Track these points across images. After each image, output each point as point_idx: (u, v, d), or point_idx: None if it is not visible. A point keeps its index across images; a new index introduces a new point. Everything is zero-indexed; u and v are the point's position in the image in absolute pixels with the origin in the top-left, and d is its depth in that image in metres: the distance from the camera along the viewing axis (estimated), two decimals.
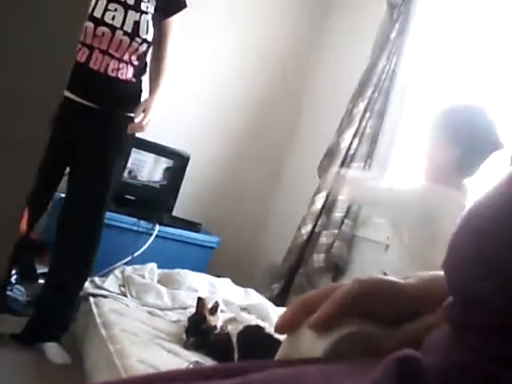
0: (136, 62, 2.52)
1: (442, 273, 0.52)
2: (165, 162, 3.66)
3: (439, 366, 0.34)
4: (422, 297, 0.48)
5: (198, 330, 2.23)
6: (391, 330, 0.47)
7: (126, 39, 2.44)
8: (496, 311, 0.32)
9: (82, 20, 0.69)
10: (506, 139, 1.87)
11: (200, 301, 2.35)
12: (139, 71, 2.57)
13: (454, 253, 0.37)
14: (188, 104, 3.93)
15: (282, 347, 0.55)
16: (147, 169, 3.62)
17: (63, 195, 2.69)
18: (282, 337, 1.75)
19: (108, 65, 2.44)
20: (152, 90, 2.60)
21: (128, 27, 2.43)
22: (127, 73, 2.50)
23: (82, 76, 2.34)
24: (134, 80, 2.54)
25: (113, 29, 2.41)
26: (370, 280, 0.49)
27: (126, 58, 2.47)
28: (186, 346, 2.19)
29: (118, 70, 2.47)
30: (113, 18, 2.40)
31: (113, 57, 2.44)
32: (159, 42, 2.60)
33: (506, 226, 0.32)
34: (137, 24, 2.44)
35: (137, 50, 2.48)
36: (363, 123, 3.36)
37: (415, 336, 0.42)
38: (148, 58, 2.64)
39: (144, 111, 2.50)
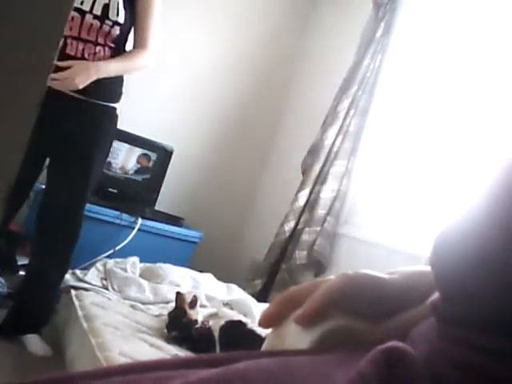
0: (112, 45, 2.48)
1: (425, 268, 0.53)
2: (146, 155, 3.65)
3: (426, 358, 0.35)
4: (406, 292, 0.49)
5: (179, 325, 2.23)
6: (376, 324, 0.48)
7: (96, 22, 2.41)
8: (485, 306, 0.33)
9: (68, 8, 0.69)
10: None
11: (179, 295, 2.35)
12: (118, 52, 2.53)
13: (442, 249, 0.38)
14: (172, 97, 3.92)
15: (267, 341, 0.55)
16: (128, 161, 3.60)
17: (44, 186, 2.66)
18: (264, 332, 1.75)
19: (84, 49, 2.42)
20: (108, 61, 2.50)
21: (97, 10, 2.41)
22: (105, 56, 2.47)
23: (59, 62, 2.32)
24: None
25: (82, 13, 2.40)
26: (355, 275, 0.49)
27: (100, 40, 2.44)
28: (168, 339, 2.19)
29: (95, 53, 2.44)
30: (81, 3, 2.39)
31: (87, 41, 2.42)
32: (137, 27, 2.58)
33: (497, 222, 0.33)
34: (106, 6, 2.42)
35: (109, 32, 2.45)
36: (347, 121, 3.37)
37: (400, 329, 0.43)
38: (127, 45, 2.60)
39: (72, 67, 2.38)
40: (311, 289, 0.51)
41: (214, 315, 2.39)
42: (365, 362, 0.33)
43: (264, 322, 0.53)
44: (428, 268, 0.53)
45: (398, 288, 0.49)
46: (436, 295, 0.40)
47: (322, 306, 0.48)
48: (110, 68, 2.47)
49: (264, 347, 0.54)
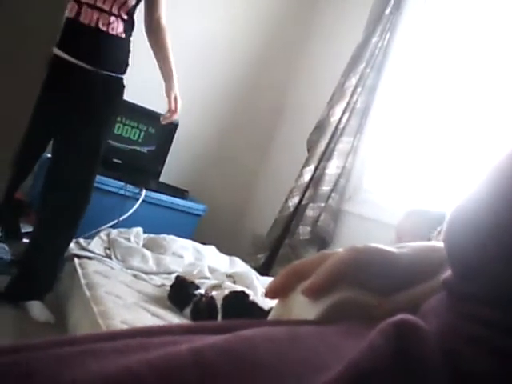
0: (125, 17, 2.47)
1: (435, 243, 0.52)
2: (153, 127, 3.64)
3: (437, 332, 0.34)
4: (416, 266, 0.48)
5: (182, 292, 2.24)
6: (385, 298, 0.48)
7: None
8: (499, 282, 0.33)
9: None
10: None
11: (178, 278, 2.37)
12: (129, 27, 2.53)
13: (456, 224, 0.38)
14: (179, 70, 3.88)
15: (273, 312, 0.55)
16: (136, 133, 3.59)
17: (50, 155, 2.66)
18: (267, 305, 1.75)
19: (98, 19, 2.40)
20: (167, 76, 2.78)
21: None
22: (118, 27, 2.45)
23: (72, 32, 2.31)
24: (123, 36, 2.49)
25: None
26: (364, 248, 0.49)
27: (115, 11, 2.42)
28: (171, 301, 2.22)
29: (109, 24, 2.42)
30: None
31: (102, 10, 2.39)
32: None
33: (509, 197, 0.33)
34: None
35: (125, 2, 2.44)
36: (354, 98, 3.35)
37: (410, 304, 0.43)
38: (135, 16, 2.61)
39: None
40: (319, 261, 0.51)
41: (217, 286, 2.40)
42: (375, 334, 0.33)
43: (271, 293, 0.53)
44: (437, 244, 0.52)
45: (408, 262, 0.49)
46: (448, 271, 0.40)
47: (330, 278, 0.48)
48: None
49: (270, 318, 0.54)
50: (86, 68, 2.44)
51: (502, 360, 0.31)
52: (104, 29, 2.41)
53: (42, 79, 0.64)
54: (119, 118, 3.42)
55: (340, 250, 0.51)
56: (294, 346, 0.37)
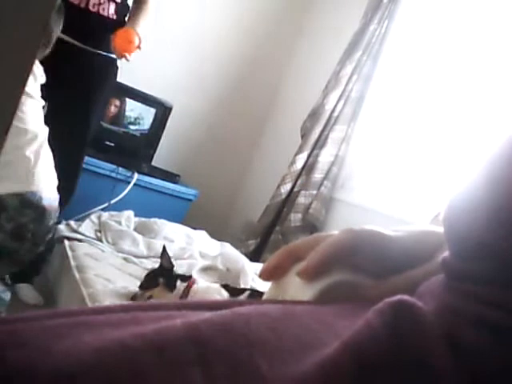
0: (118, 0, 2.45)
1: (431, 227, 0.52)
2: (147, 111, 3.62)
3: (435, 311, 0.34)
4: (413, 249, 0.48)
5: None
6: (381, 280, 0.47)
7: None
8: (499, 262, 0.32)
9: None
10: None
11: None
12: (121, 9, 2.50)
13: (457, 203, 0.37)
14: (174, 55, 3.87)
15: (267, 293, 0.54)
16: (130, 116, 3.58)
17: None
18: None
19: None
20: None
21: None
22: (109, 8, 2.43)
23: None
24: (115, 17, 2.47)
25: None
26: (361, 230, 0.48)
27: None
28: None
29: (100, 4, 2.40)
30: None
31: None
32: None
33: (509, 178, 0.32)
34: None
35: None
36: (349, 86, 3.34)
37: (406, 286, 0.43)
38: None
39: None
40: (314, 242, 0.50)
41: (207, 269, 2.39)
42: (372, 313, 0.33)
43: (265, 274, 0.52)
44: (434, 227, 0.52)
45: (405, 245, 0.48)
46: (446, 252, 0.39)
47: (325, 260, 0.47)
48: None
49: (264, 298, 0.54)
50: (80, 47, 2.41)
51: (500, 336, 0.31)
52: (94, 10, 2.39)
53: (44, 30, 0.62)
54: (113, 100, 3.40)
55: (335, 232, 0.50)
56: (290, 322, 0.37)
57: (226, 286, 2.07)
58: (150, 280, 2.03)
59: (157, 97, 3.62)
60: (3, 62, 0.61)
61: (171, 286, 1.97)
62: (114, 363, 0.31)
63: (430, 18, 3.17)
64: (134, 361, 0.31)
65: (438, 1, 3.14)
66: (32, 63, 0.64)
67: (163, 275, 2.01)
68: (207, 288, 2.00)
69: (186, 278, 2.03)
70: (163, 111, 3.63)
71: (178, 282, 1.99)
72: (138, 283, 2.11)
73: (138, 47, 2.41)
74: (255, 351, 0.33)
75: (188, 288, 1.97)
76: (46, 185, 2.05)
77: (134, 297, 2.05)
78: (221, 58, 4.04)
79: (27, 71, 0.68)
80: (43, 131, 2.10)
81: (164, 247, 2.12)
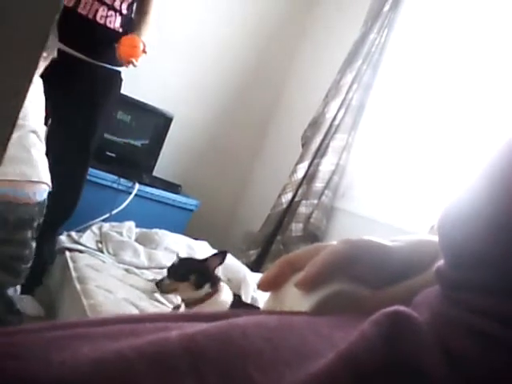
0: (125, 12, 2.46)
1: (429, 237, 0.52)
2: (148, 121, 3.63)
3: (430, 323, 0.34)
4: (410, 259, 0.48)
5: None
6: (379, 290, 0.47)
7: None
8: (494, 271, 0.32)
9: None
10: None
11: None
12: (127, 22, 2.51)
13: (453, 213, 0.37)
14: (175, 65, 3.88)
15: (265, 303, 0.54)
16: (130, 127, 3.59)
17: None
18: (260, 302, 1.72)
19: (97, 10, 2.38)
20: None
21: None
22: (115, 21, 2.44)
23: (68, 22, 2.29)
24: (120, 30, 2.48)
25: None
26: (358, 240, 0.49)
27: (116, 4, 2.41)
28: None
29: (107, 17, 2.41)
30: None
31: (103, 3, 2.38)
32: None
33: (505, 185, 0.32)
34: None
35: None
36: (350, 95, 3.35)
37: (403, 296, 0.43)
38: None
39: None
40: (313, 253, 0.50)
41: None
42: (367, 324, 0.33)
43: (263, 285, 0.52)
44: (431, 237, 0.52)
45: (402, 255, 0.48)
46: (441, 262, 0.39)
47: (323, 271, 0.47)
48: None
49: (262, 308, 0.54)
50: (84, 60, 2.42)
51: (495, 345, 0.31)
52: (101, 22, 2.40)
53: (48, 35, 0.63)
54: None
55: (334, 242, 0.50)
56: (286, 333, 0.37)
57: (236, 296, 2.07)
58: (182, 273, 1.97)
59: (158, 107, 3.63)
60: (8, 59, 0.61)
61: (199, 287, 1.94)
62: (111, 374, 0.31)
63: (430, 27, 3.18)
64: (129, 371, 0.32)
65: (438, 10, 3.15)
66: (37, 61, 0.64)
67: (197, 272, 1.97)
68: (224, 302, 1.96)
69: (216, 284, 1.99)
70: (164, 121, 3.64)
71: (207, 285, 1.96)
72: (139, 293, 2.10)
73: (144, 51, 2.41)
74: (249, 362, 0.33)
75: (209, 295, 1.95)
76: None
77: (159, 284, 2.01)
78: (221, 69, 4.05)
79: (33, 68, 0.68)
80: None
81: (225, 252, 2.08)
